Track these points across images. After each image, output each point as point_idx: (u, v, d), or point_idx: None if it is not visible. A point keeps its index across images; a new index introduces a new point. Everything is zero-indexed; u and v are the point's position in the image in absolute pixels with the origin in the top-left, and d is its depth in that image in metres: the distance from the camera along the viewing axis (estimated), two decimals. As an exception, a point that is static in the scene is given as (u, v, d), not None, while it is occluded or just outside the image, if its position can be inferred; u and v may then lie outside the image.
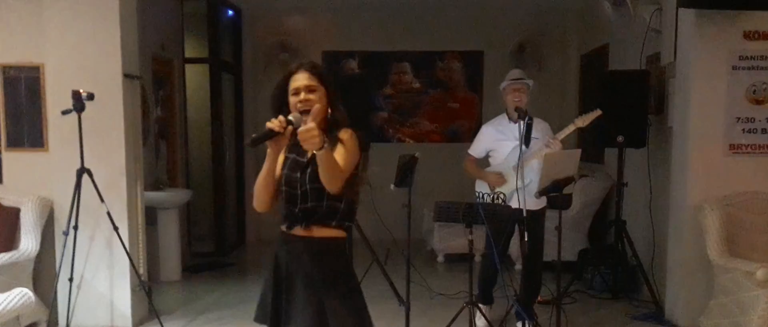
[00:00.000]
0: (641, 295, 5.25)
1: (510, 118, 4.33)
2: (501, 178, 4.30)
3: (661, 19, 5.01)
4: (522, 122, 4.02)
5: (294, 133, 2.28)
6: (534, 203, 4.21)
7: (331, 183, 2.29)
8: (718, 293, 4.15)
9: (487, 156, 4.47)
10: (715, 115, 4.46)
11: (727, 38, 4.41)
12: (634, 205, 5.49)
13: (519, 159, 4.02)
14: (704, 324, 4.26)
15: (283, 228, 2.48)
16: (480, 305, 4.43)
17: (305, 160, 2.42)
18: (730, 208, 4.29)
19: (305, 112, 2.34)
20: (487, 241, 4.17)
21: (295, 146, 2.41)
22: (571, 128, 4.20)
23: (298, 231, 2.43)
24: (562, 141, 4.16)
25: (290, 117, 2.30)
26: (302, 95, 2.39)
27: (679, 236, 4.66)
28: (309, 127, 2.15)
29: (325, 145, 2.19)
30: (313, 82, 2.41)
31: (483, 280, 4.54)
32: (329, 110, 2.46)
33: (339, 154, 2.34)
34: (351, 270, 2.53)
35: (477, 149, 4.48)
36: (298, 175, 2.41)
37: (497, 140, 4.35)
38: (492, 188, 4.32)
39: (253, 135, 2.23)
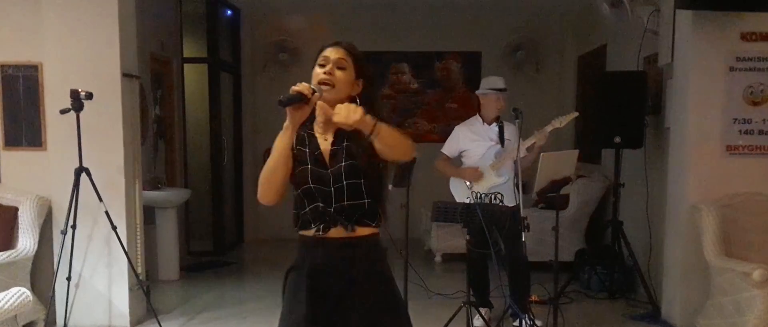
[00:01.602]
0: (638, 296, 5.26)
1: (484, 120, 4.49)
2: (478, 173, 4.37)
3: (659, 20, 5.02)
4: (495, 124, 4.42)
5: (312, 117, 2.12)
6: (510, 199, 4.29)
7: (405, 152, 2.11)
8: (715, 294, 4.16)
9: (460, 156, 4.57)
10: (712, 116, 4.47)
11: (725, 39, 4.41)
12: (631, 205, 5.50)
13: (519, 162, 4.06)
14: (701, 324, 4.27)
15: (315, 232, 2.14)
16: (480, 309, 4.46)
17: (333, 149, 2.15)
18: (727, 208, 4.30)
19: (326, 85, 2.11)
20: (469, 242, 4.17)
21: (309, 138, 2.17)
22: (548, 129, 4.29)
23: (339, 232, 2.12)
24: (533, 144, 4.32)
25: (313, 86, 2.08)
26: (328, 67, 2.12)
27: (676, 237, 4.67)
28: (354, 109, 1.95)
29: (377, 122, 1.98)
30: (346, 60, 2.14)
31: (472, 282, 4.46)
32: (357, 101, 2.15)
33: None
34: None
35: (451, 149, 4.58)
36: (328, 170, 2.12)
37: (471, 141, 4.47)
38: (469, 181, 4.32)
39: (282, 96, 2.01)
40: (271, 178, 2.12)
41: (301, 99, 2.03)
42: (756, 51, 4.41)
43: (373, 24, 7.79)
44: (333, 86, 2.11)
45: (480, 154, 4.43)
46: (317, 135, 2.19)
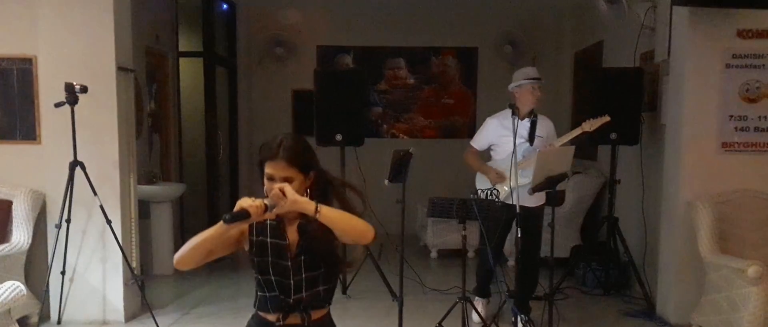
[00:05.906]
0: (633, 292, 5.28)
1: (517, 115, 4.17)
2: (501, 176, 4.27)
3: (656, 16, 5.03)
4: (528, 119, 4.21)
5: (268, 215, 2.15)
6: (533, 200, 4.19)
7: (360, 235, 2.14)
8: (710, 290, 4.18)
9: (489, 149, 4.44)
10: (708, 112, 4.48)
11: (721, 36, 4.42)
12: (626, 202, 5.51)
13: (513, 155, 4.04)
14: (695, 321, 4.29)
15: (274, 319, 2.26)
16: (476, 298, 4.46)
17: (288, 243, 2.23)
18: (722, 205, 4.32)
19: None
20: (480, 238, 4.21)
21: (273, 229, 2.23)
22: (577, 131, 4.24)
23: (295, 319, 2.25)
24: (569, 142, 4.23)
25: (267, 201, 2.06)
26: (276, 186, 2.10)
27: (671, 233, 4.68)
28: (291, 200, 2.01)
29: (318, 206, 2.04)
30: (290, 173, 2.14)
31: (479, 274, 4.62)
32: (307, 191, 2.21)
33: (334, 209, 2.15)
34: None
35: (480, 141, 4.45)
36: (289, 263, 2.21)
37: (501, 135, 4.31)
38: (492, 183, 4.31)
39: (228, 214, 2.01)
40: (193, 252, 2.12)
41: (247, 217, 2.02)
42: (752, 48, 4.41)
43: (370, 19, 7.77)
44: (286, 199, 2.10)
45: (508, 151, 4.18)
46: (285, 223, 2.25)
